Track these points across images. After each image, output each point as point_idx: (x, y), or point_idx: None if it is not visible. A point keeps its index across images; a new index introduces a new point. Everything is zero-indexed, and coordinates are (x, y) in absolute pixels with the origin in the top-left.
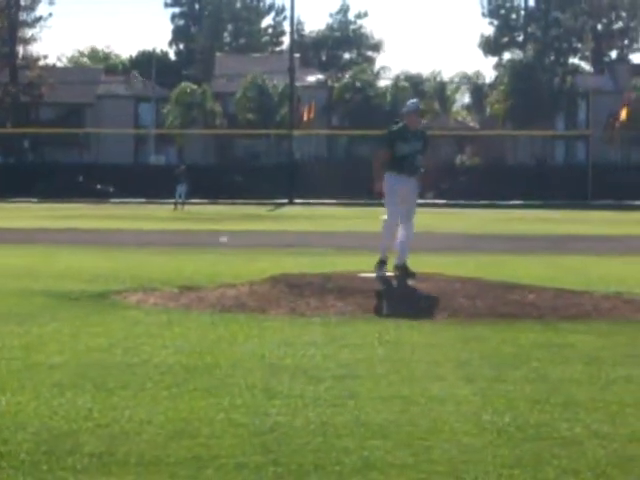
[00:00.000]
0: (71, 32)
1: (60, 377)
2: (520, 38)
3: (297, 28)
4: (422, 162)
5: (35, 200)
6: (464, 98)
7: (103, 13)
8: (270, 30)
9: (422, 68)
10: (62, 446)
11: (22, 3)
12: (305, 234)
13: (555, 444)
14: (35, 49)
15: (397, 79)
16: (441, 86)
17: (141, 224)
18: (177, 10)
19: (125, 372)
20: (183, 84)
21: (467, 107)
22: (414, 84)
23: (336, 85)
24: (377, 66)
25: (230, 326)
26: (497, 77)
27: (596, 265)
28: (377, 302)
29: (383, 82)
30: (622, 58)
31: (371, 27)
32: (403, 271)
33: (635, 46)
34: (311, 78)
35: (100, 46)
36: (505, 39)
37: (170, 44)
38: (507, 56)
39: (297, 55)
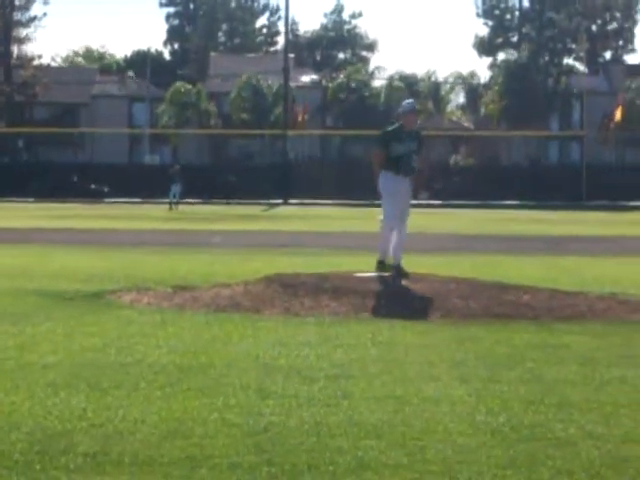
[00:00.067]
0: (66, 32)
1: (54, 377)
2: (515, 38)
3: (291, 28)
4: (417, 162)
5: (30, 200)
6: (459, 98)
7: (98, 13)
8: (265, 30)
9: (417, 68)
10: (56, 446)
11: (16, 3)
12: (299, 234)
13: (549, 445)
14: (30, 49)
15: (392, 79)
16: (435, 86)
17: (135, 224)
18: (172, 10)
19: (119, 372)
20: (178, 84)
21: (461, 107)
22: (409, 84)
23: (330, 85)
24: (371, 66)
25: (224, 326)
26: (492, 77)
27: (591, 266)
28: (372, 302)
29: (377, 82)
30: (616, 59)
31: (365, 27)
32: (397, 271)
33: (629, 47)
34: (305, 78)
35: (95, 46)
36: (500, 39)
37: (165, 44)
38: (502, 56)
39: (291, 55)
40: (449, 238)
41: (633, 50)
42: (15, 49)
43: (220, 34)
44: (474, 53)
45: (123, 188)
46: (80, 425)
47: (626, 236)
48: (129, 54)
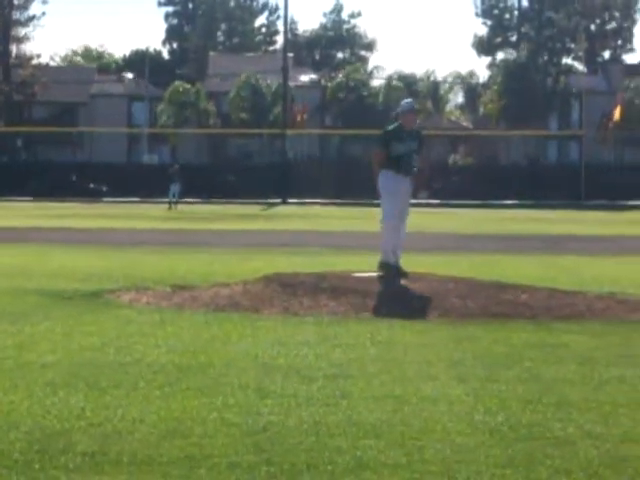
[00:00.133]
0: (64, 31)
1: (53, 376)
2: (513, 38)
3: (290, 27)
4: (418, 162)
5: (28, 199)
6: (457, 98)
7: (97, 12)
8: (263, 29)
9: (416, 68)
10: (55, 445)
11: (15, 2)
12: (298, 233)
13: (548, 444)
14: (28, 48)
15: (390, 79)
16: (434, 86)
17: (134, 223)
18: (170, 9)
19: (118, 371)
20: (176, 83)
21: (460, 107)
22: (407, 84)
23: (329, 85)
24: (370, 66)
25: (223, 325)
26: (490, 77)
27: (589, 265)
28: (370, 302)
29: (376, 82)
30: (615, 58)
31: (365, 26)
32: (396, 271)
33: (628, 46)
34: (304, 78)
35: (93, 45)
36: (498, 39)
37: (164, 43)
38: (500, 56)
39: (290, 55)
40: (448, 237)
41: (632, 50)
42: (14, 48)
43: (219, 33)
44: (473, 53)
45: (122, 187)
46: (79, 424)
47: (625, 235)
48: (128, 53)
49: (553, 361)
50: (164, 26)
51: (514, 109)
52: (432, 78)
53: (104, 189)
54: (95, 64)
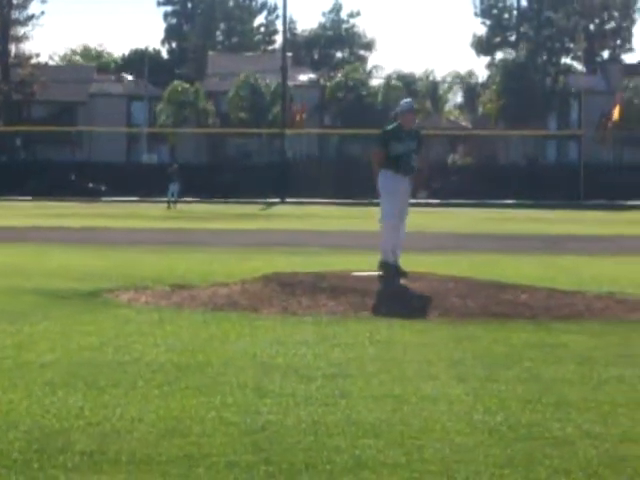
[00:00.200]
0: (63, 30)
1: (51, 375)
2: (512, 38)
3: (289, 27)
4: (416, 162)
5: (27, 198)
6: (456, 97)
7: (96, 12)
8: (262, 29)
9: (414, 67)
10: (54, 444)
11: (14, 1)
12: (297, 233)
13: (547, 444)
14: (27, 47)
15: (389, 78)
16: (433, 85)
17: (133, 223)
18: (169, 9)
19: (116, 370)
20: (175, 83)
21: (459, 106)
22: (406, 83)
23: (328, 84)
24: (369, 65)
25: (222, 325)
26: (489, 77)
27: (589, 265)
28: (370, 301)
29: (375, 81)
30: (614, 58)
31: (364, 26)
32: (395, 270)
33: (627, 46)
34: (303, 77)
35: (93, 44)
36: (497, 39)
37: (163, 43)
38: (499, 56)
39: (289, 54)
40: (447, 237)
41: (631, 49)
42: (13, 48)
43: (218, 33)
44: (472, 52)
45: (121, 187)
46: (78, 424)
47: (624, 235)
48: (127, 53)
49: (552, 361)
50: (163, 26)
51: (513, 109)
52: (431, 78)
53: (103, 189)
54: (94, 63)
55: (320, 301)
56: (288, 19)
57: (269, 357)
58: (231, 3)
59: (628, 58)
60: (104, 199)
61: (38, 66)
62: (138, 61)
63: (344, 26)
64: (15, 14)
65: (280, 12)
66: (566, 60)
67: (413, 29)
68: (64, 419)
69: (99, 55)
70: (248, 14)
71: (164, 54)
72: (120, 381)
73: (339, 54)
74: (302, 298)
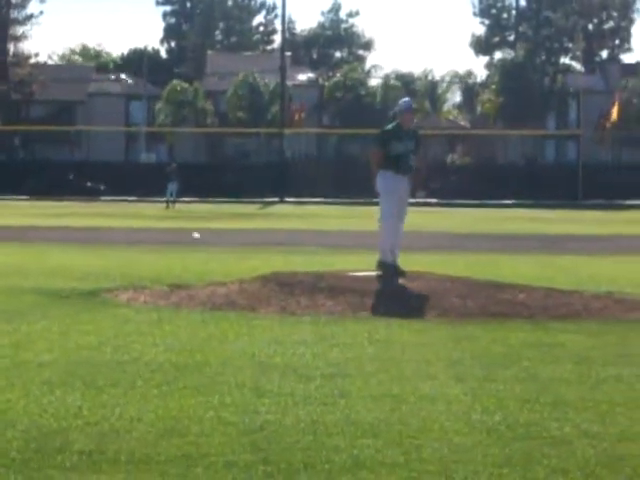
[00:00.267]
0: (62, 30)
1: (50, 375)
2: (511, 37)
3: (288, 26)
4: (415, 161)
5: (26, 198)
6: (455, 97)
7: (94, 11)
8: (261, 28)
9: (413, 67)
10: (52, 444)
11: (13, 1)
12: (295, 232)
13: (545, 443)
14: (26, 47)
15: (388, 78)
16: (432, 85)
17: (132, 222)
18: (168, 8)
19: (115, 370)
20: (174, 82)
21: (458, 106)
22: (405, 83)
23: (327, 84)
24: (368, 65)
25: (220, 324)
26: (488, 76)
27: (587, 265)
28: (368, 301)
29: (374, 81)
30: (613, 58)
31: (362, 26)
32: (394, 270)
33: (626, 46)
34: (302, 77)
35: (91, 44)
36: (496, 38)
37: (162, 42)
38: (498, 55)
39: (288, 54)
40: (445, 237)
41: (630, 49)
42: (12, 47)
43: (217, 32)
44: (471, 52)
45: (119, 186)
46: (76, 423)
47: (622, 235)
48: (126, 52)
49: (550, 360)
50: (162, 25)
51: (512, 109)
52: (430, 77)
53: (102, 188)
54: (93, 63)
55: (318, 301)
56: (287, 19)
57: (267, 357)
58: (230, 3)
59: (627, 58)
60: (103, 198)
61: (37, 65)
62: (137, 60)
63: (343, 26)
64: (14, 13)
65: (279, 12)
66: (565, 60)
67: (412, 29)
68: (62, 418)
69: (98, 54)
70: (247, 14)
71: (163, 53)
72: (119, 381)
73: (338, 54)
74: (300, 298)
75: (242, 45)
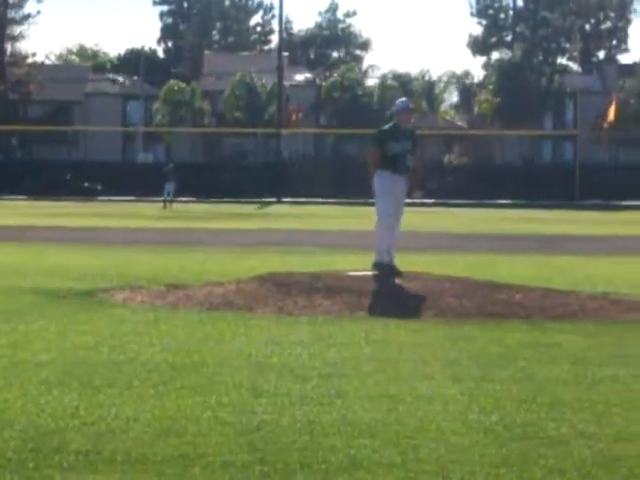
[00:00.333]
0: (60, 30)
1: (47, 375)
2: (508, 38)
3: (286, 27)
4: (412, 161)
5: (23, 197)
6: (452, 97)
7: (92, 11)
8: (259, 28)
9: (410, 67)
10: (49, 444)
11: (10, 0)
12: (293, 232)
13: (541, 444)
14: (23, 46)
15: (385, 78)
16: (429, 85)
17: (129, 222)
18: (165, 8)
19: (112, 370)
20: (171, 82)
21: (455, 106)
22: (402, 83)
23: (324, 84)
24: (365, 65)
25: (217, 324)
26: (485, 76)
27: (583, 265)
28: (365, 301)
29: (371, 81)
30: (610, 58)
31: (360, 26)
32: (390, 270)
33: (623, 46)
34: (299, 77)
35: (89, 44)
36: (493, 39)
37: (159, 42)
38: (495, 56)
39: (285, 54)
40: (442, 237)
41: (627, 50)
42: (9, 47)
43: (214, 32)
44: (468, 52)
45: (116, 186)
46: (73, 423)
47: (619, 235)
48: (123, 52)
49: (547, 361)
50: (159, 25)
51: (509, 109)
52: (427, 77)
53: (99, 188)
54: (90, 63)
55: (316, 301)
56: (284, 19)
57: (264, 357)
58: (227, 3)
59: (624, 58)
60: (100, 198)
61: (34, 65)
62: (134, 60)
63: (340, 26)
64: (11, 13)
65: (276, 12)
66: (562, 60)
67: (409, 29)
68: (59, 418)
69: (95, 54)
70: (244, 14)
71: (160, 53)
72: (115, 380)
73: (335, 54)
74: (298, 298)
75: (239, 45)
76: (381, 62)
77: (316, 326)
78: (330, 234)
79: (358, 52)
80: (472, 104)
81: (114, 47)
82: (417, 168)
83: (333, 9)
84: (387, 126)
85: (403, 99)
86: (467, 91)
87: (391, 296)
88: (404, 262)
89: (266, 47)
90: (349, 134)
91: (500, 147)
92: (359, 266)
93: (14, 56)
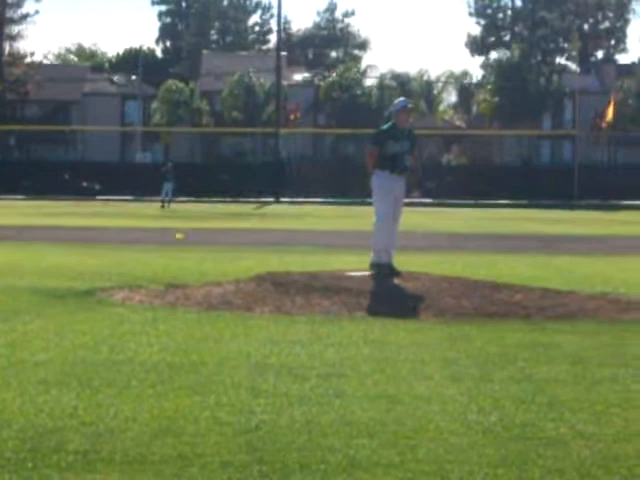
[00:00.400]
0: (58, 29)
1: (45, 374)
2: (507, 38)
3: (284, 26)
4: (409, 161)
5: (21, 197)
6: (451, 97)
7: (90, 10)
8: (257, 28)
9: (409, 67)
10: (47, 444)
11: (8, 0)
12: (291, 232)
13: (540, 444)
14: (21, 46)
15: (384, 78)
16: (428, 85)
17: (127, 222)
18: (164, 8)
19: (110, 370)
20: (170, 82)
21: (454, 106)
22: (401, 83)
23: (322, 84)
24: (364, 65)
25: (216, 324)
26: (484, 76)
27: (582, 265)
28: (363, 301)
29: (369, 81)
30: (608, 58)
31: (358, 26)
32: (389, 270)
33: (621, 46)
34: (298, 76)
35: (87, 44)
36: (492, 38)
37: (157, 42)
38: (494, 55)
39: (284, 53)
40: (441, 237)
41: (625, 50)
42: (7, 46)
43: (212, 32)
44: (466, 52)
45: (115, 186)
46: (71, 423)
47: (617, 235)
48: (121, 52)
49: (546, 361)
50: (157, 25)
51: (507, 109)
52: (425, 77)
53: (97, 187)
54: (88, 63)
55: (314, 301)
56: (283, 18)
57: (263, 357)
58: (225, 2)
59: (622, 58)
60: (98, 198)
61: (32, 65)
62: (132, 60)
63: (339, 25)
64: (9, 13)
65: (275, 11)
66: (560, 60)
67: (407, 29)
68: (58, 418)
69: (93, 54)
70: (242, 13)
71: (158, 53)
72: (114, 380)
73: (333, 54)
74: (296, 298)
75: (238, 45)
76: (380, 62)
77: (314, 326)
78: (328, 234)
79: (357, 52)
80: (471, 104)
81: (112, 47)
82: (414, 168)
83: (332, 9)
84: (386, 126)
85: (402, 99)
86: (466, 91)
87: (390, 296)
88: (402, 262)
89: (264, 47)
90: (347, 134)
91: (498, 147)
92: (357, 266)
93: (12, 56)
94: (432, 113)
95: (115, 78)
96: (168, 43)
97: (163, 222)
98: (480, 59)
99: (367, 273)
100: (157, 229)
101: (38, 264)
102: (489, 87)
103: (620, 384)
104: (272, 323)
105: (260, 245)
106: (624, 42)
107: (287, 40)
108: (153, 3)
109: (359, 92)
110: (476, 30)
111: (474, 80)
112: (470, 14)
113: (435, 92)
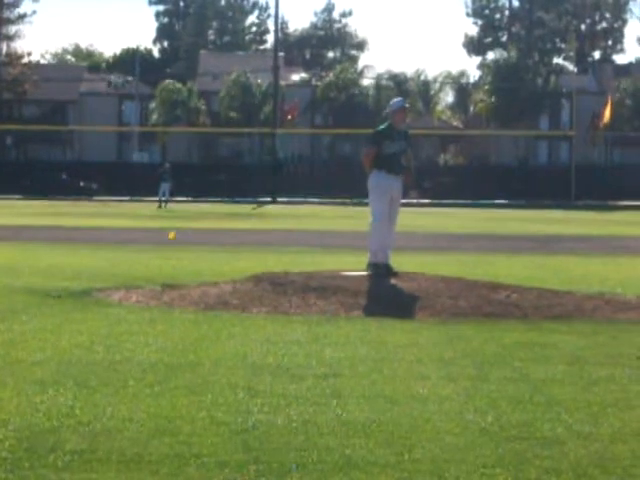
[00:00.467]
0: (55, 29)
1: (42, 374)
2: (504, 38)
3: (281, 26)
4: (405, 161)
5: (18, 197)
6: (448, 98)
7: (87, 10)
8: (254, 28)
9: (406, 67)
10: (44, 443)
11: (5, 0)
12: (288, 232)
13: (537, 444)
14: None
15: (381, 78)
16: (425, 85)
17: (124, 222)
18: (161, 8)
19: (107, 370)
20: (167, 82)
21: (451, 107)
22: (398, 83)
23: (320, 84)
24: (361, 65)
25: (212, 324)
26: (481, 77)
27: (579, 265)
28: (361, 301)
29: (367, 81)
30: (606, 58)
31: (355, 26)
32: (386, 270)
33: (619, 47)
34: (295, 77)
35: (84, 44)
36: (489, 39)
37: (154, 42)
38: (491, 56)
39: (281, 54)
40: (438, 237)
41: (622, 50)
42: (4, 46)
43: (210, 32)
44: (464, 52)
45: (112, 186)
46: (68, 423)
47: (614, 236)
48: (118, 52)
49: (542, 361)
50: (155, 24)
51: (504, 109)
52: (422, 78)
53: (94, 187)
54: (85, 63)
55: (311, 301)
56: (280, 19)
57: (260, 357)
58: (223, 2)
59: (619, 59)
60: (95, 198)
61: (29, 65)
62: (130, 60)
63: (336, 26)
64: (6, 13)
65: (272, 11)
66: (557, 60)
67: (405, 29)
68: (54, 418)
69: (90, 54)
70: (240, 13)
71: (156, 53)
72: (111, 380)
73: (331, 54)
74: (293, 298)
75: (235, 45)
76: (377, 62)
77: (311, 326)
78: (325, 234)
79: (354, 52)
80: (468, 104)
81: (110, 47)
82: (410, 168)
83: (329, 9)
84: (382, 126)
85: (398, 99)
86: (463, 91)
87: (386, 296)
88: (399, 262)
89: (262, 47)
90: (344, 134)
91: (496, 147)
92: (354, 266)
93: (9, 56)
94: (429, 113)
95: (112, 78)
96: (165, 43)
97: (160, 222)
98: (477, 59)
99: (364, 273)
100: (154, 229)
101: (35, 264)
102: (486, 87)
103: (617, 384)
104: (269, 323)
105: (257, 245)
106: (621, 42)
107: (284, 40)
108: (150, 3)
109: (356, 92)
110: (473, 30)
111: (471, 80)
112: (467, 14)
113: (432, 92)
